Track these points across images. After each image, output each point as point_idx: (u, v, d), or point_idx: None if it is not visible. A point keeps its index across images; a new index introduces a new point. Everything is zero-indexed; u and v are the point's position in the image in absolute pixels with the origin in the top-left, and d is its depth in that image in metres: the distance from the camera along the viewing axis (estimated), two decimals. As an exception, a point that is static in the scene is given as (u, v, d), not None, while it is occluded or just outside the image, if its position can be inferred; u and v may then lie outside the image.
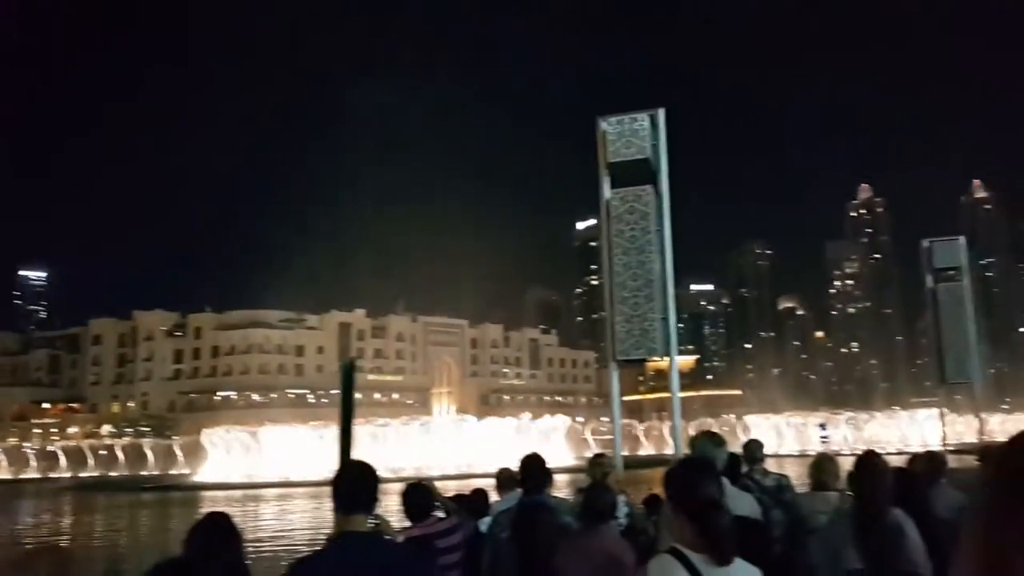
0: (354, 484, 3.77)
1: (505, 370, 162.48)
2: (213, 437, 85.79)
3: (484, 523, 6.96)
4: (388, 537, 5.15)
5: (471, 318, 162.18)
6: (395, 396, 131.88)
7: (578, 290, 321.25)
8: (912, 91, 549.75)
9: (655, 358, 10.80)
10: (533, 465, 6.17)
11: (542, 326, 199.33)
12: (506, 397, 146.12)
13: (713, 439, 5.57)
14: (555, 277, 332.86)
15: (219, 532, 4.05)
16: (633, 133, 11.14)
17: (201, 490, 63.23)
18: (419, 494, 5.90)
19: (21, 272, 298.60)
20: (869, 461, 4.90)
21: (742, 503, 5.14)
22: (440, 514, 6.06)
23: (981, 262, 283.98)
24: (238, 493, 59.31)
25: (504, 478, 8.05)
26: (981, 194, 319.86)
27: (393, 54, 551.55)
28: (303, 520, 37.22)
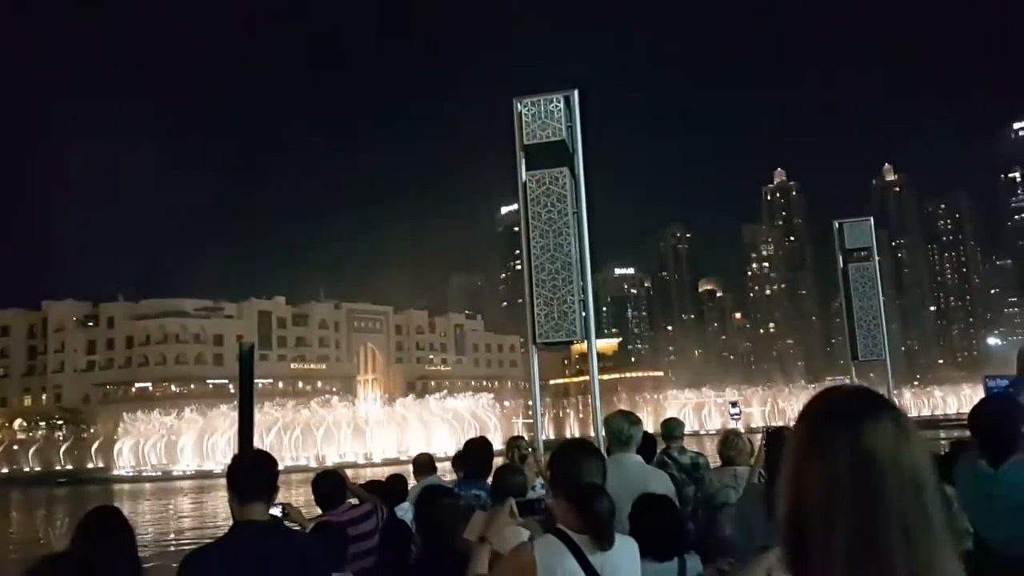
0: (251, 472, 3.67)
1: (431, 356, 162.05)
2: (129, 429, 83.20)
3: (403, 508, 6.86)
4: (292, 525, 5.03)
5: (395, 304, 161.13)
6: (319, 384, 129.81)
7: (503, 275, 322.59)
8: (825, 76, 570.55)
9: (574, 341, 10.75)
10: (473, 450, 6.15)
11: (467, 311, 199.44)
12: (433, 383, 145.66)
13: (628, 417, 5.57)
14: (479, 262, 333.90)
15: (108, 525, 3.80)
16: (548, 115, 11.07)
17: (117, 483, 61.38)
18: (330, 482, 5.82)
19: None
20: (778, 436, 4.94)
21: (656, 480, 5.20)
22: (354, 501, 5.97)
23: (892, 243, 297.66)
24: (154, 486, 57.70)
25: (421, 463, 8.05)
26: (891, 177, 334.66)
27: (318, 35, 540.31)
28: (222, 512, 36.29)
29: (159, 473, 72.06)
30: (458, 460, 7.76)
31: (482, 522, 3.27)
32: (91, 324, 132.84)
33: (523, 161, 11.03)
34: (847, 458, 1.26)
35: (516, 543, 3.24)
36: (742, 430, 8.71)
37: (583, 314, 10.66)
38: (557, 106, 11.07)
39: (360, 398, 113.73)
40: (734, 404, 56.08)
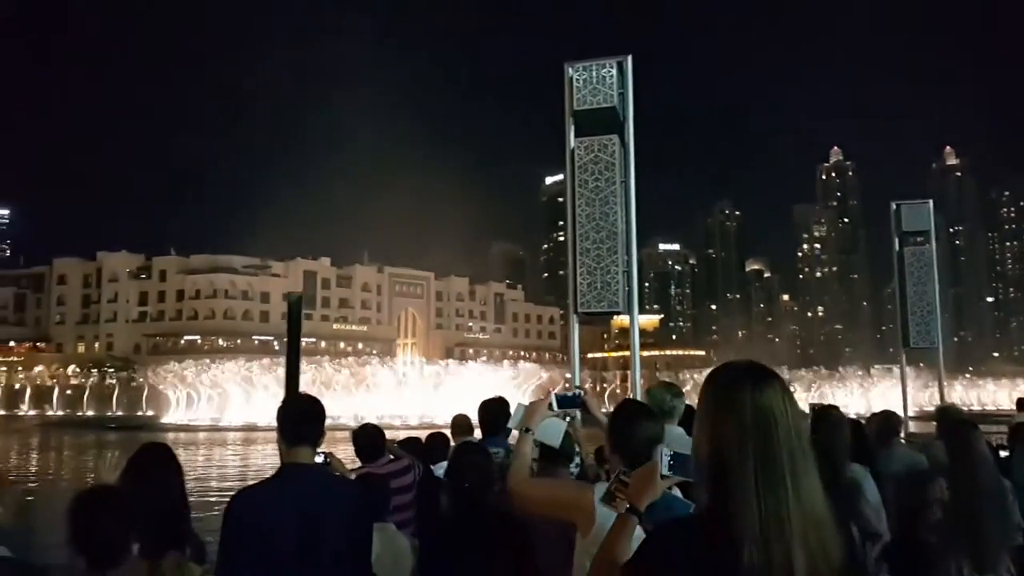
0: (300, 416, 3.71)
1: (470, 324, 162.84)
2: (177, 379, 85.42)
3: (442, 467, 6.88)
4: (338, 473, 5.28)
5: (437, 270, 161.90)
6: (360, 345, 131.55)
7: (544, 245, 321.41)
8: (885, 56, 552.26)
9: (616, 311, 10.58)
10: (491, 408, 6.09)
11: (508, 281, 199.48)
12: (471, 350, 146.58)
13: (670, 389, 5.41)
14: (522, 232, 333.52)
15: (157, 462, 3.89)
16: (600, 80, 10.81)
17: (167, 431, 63.22)
18: (370, 435, 5.95)
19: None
20: (827, 414, 4.85)
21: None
22: (391, 456, 6.10)
23: (951, 229, 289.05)
24: (202, 435, 59.29)
25: (459, 424, 8.04)
26: (952, 161, 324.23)
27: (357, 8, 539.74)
28: (266, 463, 37.14)
29: (207, 423, 74.03)
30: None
31: (524, 414, 3.57)
32: (144, 276, 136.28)
33: (572, 127, 10.81)
34: (752, 411, 1.86)
35: (558, 430, 3.67)
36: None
37: (627, 287, 10.54)
38: (610, 72, 10.79)
39: (399, 361, 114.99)
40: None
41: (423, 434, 8.07)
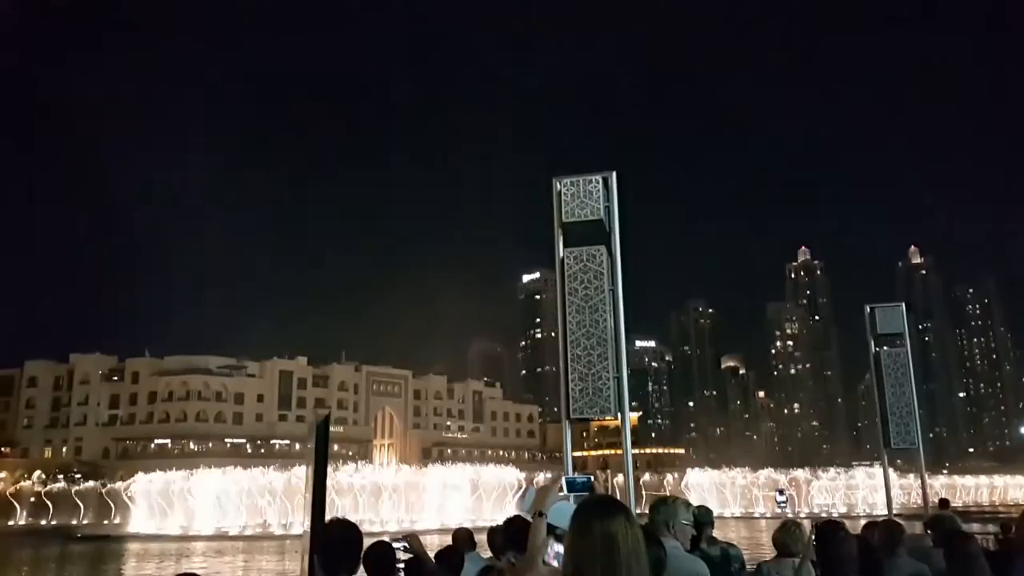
0: (339, 545, 3.78)
1: (448, 423, 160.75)
2: (147, 486, 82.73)
3: None
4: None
5: (415, 369, 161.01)
6: (335, 448, 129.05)
7: (522, 343, 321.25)
8: (849, 157, 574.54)
9: (608, 417, 10.84)
10: (514, 528, 6.04)
11: (486, 379, 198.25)
12: (449, 450, 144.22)
13: (669, 502, 5.53)
14: (499, 330, 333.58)
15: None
16: (587, 194, 11.35)
17: (133, 542, 60.78)
18: (382, 554, 5.75)
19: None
20: (833, 531, 4.94)
21: (697, 568, 5.05)
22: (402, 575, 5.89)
23: (919, 327, 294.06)
24: (172, 546, 57.13)
25: (461, 537, 7.86)
26: (917, 260, 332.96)
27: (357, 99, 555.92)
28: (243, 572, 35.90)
29: (177, 532, 71.43)
30: (497, 536, 7.82)
31: (535, 497, 3.68)
32: (116, 379, 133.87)
33: (561, 238, 11.29)
34: (601, 536, 2.57)
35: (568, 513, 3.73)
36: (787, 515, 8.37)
37: (617, 391, 10.84)
38: (596, 186, 11.43)
39: (375, 463, 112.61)
40: (781, 492, 53.94)
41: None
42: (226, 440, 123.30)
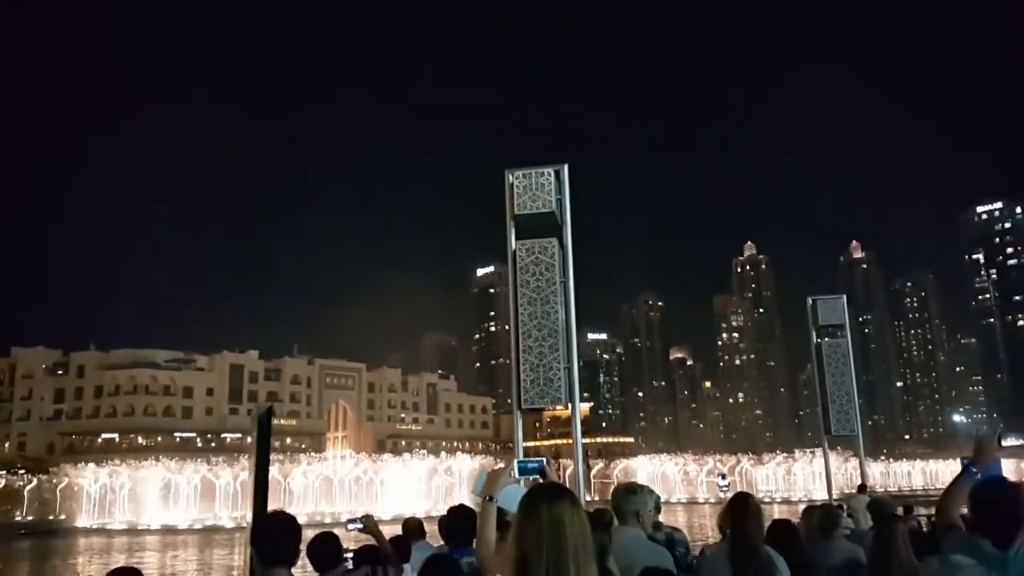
0: (277, 536, 3.69)
1: (403, 415, 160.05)
2: (93, 480, 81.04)
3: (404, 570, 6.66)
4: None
5: (369, 362, 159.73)
6: (288, 440, 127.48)
7: (476, 335, 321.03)
8: (795, 153, 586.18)
9: (559, 407, 11.02)
10: (459, 516, 6.10)
11: (440, 371, 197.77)
12: (404, 442, 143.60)
13: (629, 489, 5.66)
14: (453, 323, 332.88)
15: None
16: (539, 187, 11.42)
17: (80, 536, 59.47)
18: (325, 544, 5.74)
19: None
20: (742, 501, 5.21)
21: (657, 556, 5.18)
22: (349, 565, 5.92)
23: (860, 319, 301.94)
24: (120, 540, 56.06)
25: (412, 527, 7.85)
26: (859, 254, 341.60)
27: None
28: (194, 569, 35.50)
29: (124, 526, 70.02)
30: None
31: (486, 481, 3.63)
32: (61, 372, 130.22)
33: (513, 230, 11.38)
34: (548, 520, 2.59)
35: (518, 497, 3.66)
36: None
37: (568, 381, 11.03)
38: (548, 179, 11.56)
39: (329, 455, 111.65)
40: (723, 476, 55.00)
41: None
42: (175, 434, 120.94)
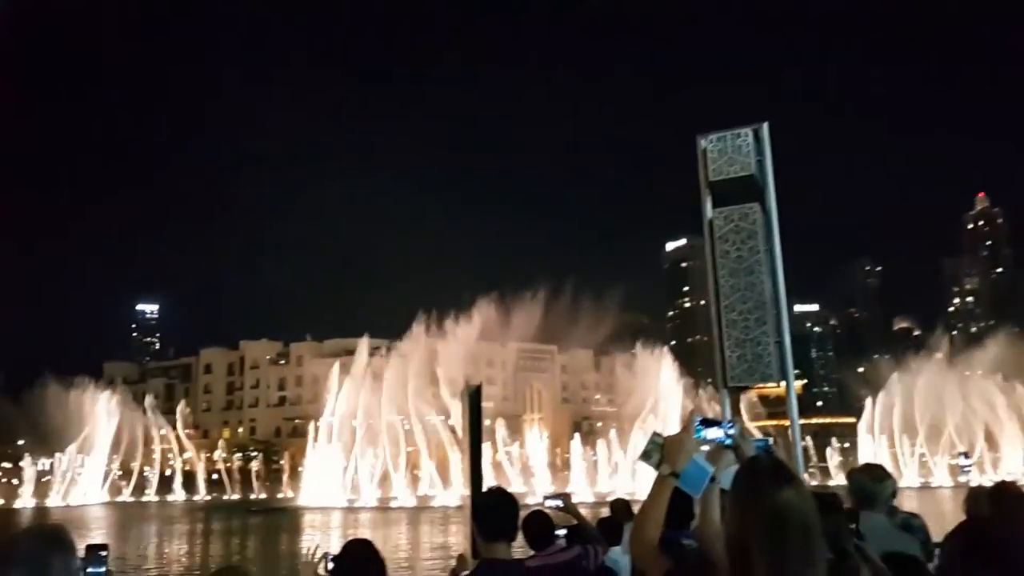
0: (497, 512, 3.87)
1: (597, 396, 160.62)
2: (314, 461, 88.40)
3: (614, 553, 6.69)
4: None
5: (560, 343, 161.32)
6: (487, 423, 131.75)
7: (669, 313, 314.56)
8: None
9: (770, 384, 10.24)
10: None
11: (632, 352, 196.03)
12: (599, 424, 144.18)
13: (872, 472, 5.00)
14: (644, 300, 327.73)
15: (364, 560, 3.99)
16: (736, 149, 10.72)
17: (306, 513, 64.97)
18: (539, 521, 5.84)
19: (138, 307, 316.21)
20: (1008, 490, 4.63)
21: (903, 544, 4.66)
22: (562, 543, 5.95)
23: None
24: (338, 516, 60.58)
25: (620, 508, 7.82)
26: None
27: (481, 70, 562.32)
28: (408, 543, 37.53)
29: (343, 504, 75.79)
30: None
31: (664, 450, 2.87)
32: (282, 362, 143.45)
33: (709, 198, 10.75)
34: (768, 510, 2.24)
35: (702, 477, 2.89)
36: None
37: (779, 357, 10.27)
38: (745, 140, 10.77)
39: (527, 437, 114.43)
40: (965, 455, 50.06)
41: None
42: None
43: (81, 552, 2.51)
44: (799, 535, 2.21)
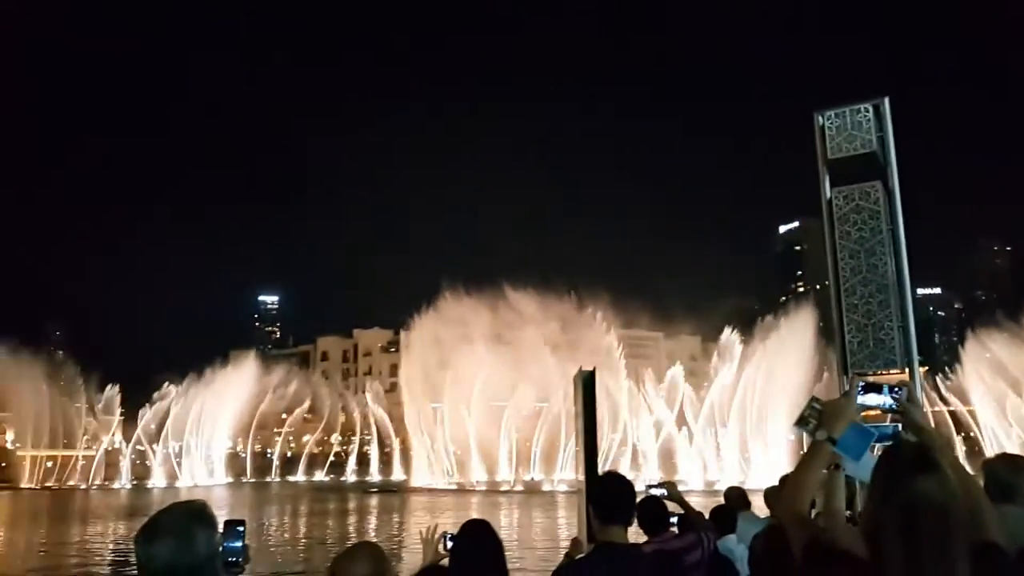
0: (614, 495, 3.85)
1: (704, 383, 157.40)
2: (423, 445, 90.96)
3: (729, 541, 6.70)
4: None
5: (666, 330, 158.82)
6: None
7: (781, 299, 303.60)
8: None
9: (894, 371, 9.89)
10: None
11: (743, 338, 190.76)
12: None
13: (1013, 463, 4.66)
14: (754, 286, 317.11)
15: (482, 538, 4.05)
16: (855, 126, 10.40)
17: (416, 494, 66.93)
18: (654, 507, 5.85)
19: (259, 298, 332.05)
20: None
21: None
22: (675, 530, 5.95)
23: None
24: (449, 497, 62.02)
25: (735, 496, 7.72)
26: None
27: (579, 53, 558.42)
28: (519, 525, 38.08)
29: (452, 486, 77.70)
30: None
31: (824, 415, 2.74)
32: (393, 350, 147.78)
33: (827, 177, 10.45)
34: (907, 498, 2.06)
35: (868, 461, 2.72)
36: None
37: (904, 342, 10.02)
38: (866, 116, 10.47)
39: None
40: None
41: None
42: (492, 404, 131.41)
43: (220, 527, 2.70)
44: (935, 527, 2.02)
